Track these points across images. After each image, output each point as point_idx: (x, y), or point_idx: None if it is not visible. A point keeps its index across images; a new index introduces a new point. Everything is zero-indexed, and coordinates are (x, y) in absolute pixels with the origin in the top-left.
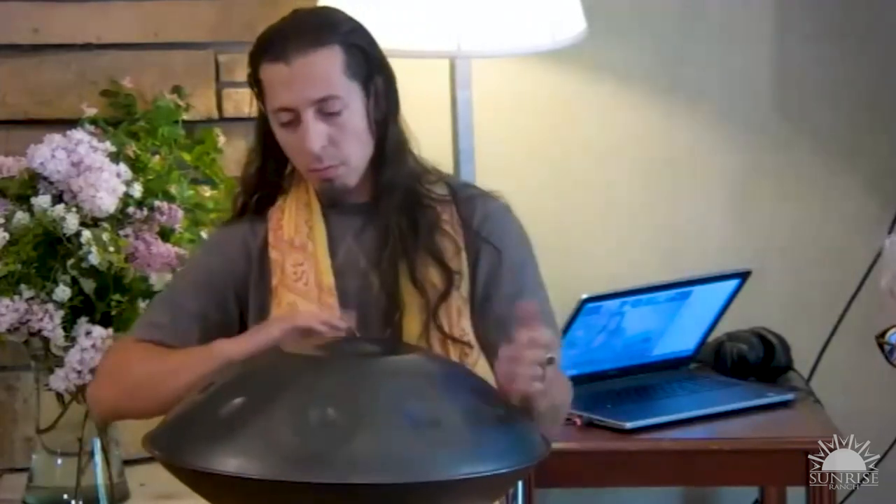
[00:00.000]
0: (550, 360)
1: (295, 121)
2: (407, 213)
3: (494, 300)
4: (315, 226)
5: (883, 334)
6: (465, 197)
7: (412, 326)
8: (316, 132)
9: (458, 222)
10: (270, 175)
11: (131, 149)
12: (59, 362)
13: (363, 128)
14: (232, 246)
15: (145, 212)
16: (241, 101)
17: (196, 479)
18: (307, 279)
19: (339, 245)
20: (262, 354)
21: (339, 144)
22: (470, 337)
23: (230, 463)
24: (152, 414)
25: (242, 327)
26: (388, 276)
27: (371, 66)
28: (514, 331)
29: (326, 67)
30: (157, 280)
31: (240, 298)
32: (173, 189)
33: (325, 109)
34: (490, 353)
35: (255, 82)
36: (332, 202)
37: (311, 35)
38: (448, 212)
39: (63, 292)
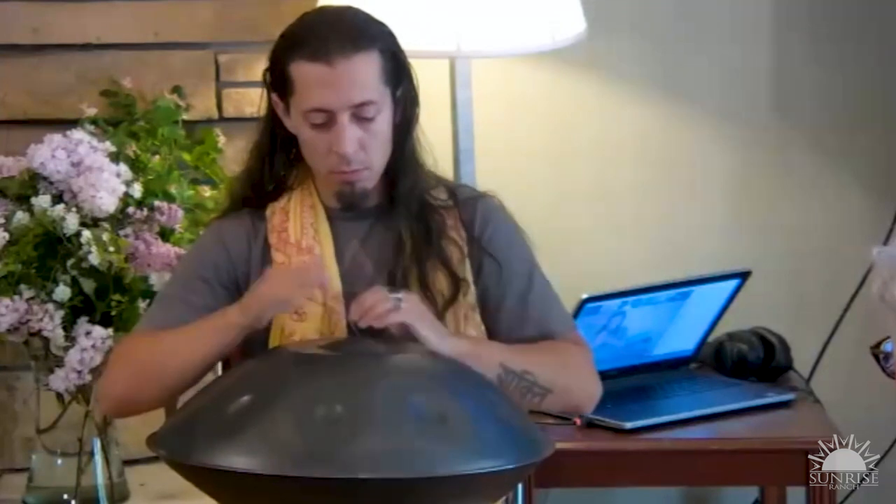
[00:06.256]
0: (399, 300)
1: (328, 122)
2: (419, 220)
3: (503, 310)
4: (321, 229)
5: (878, 345)
6: (463, 200)
7: None
8: (351, 136)
9: (460, 227)
10: (277, 170)
11: (131, 149)
12: (59, 362)
13: (389, 134)
14: (235, 241)
15: (145, 212)
16: (241, 101)
17: (202, 476)
18: None
19: (345, 250)
20: (266, 354)
21: (368, 149)
22: None
23: (236, 460)
24: (160, 401)
25: None
26: (400, 281)
27: (400, 73)
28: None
29: (368, 72)
30: (157, 280)
31: (242, 294)
32: (173, 189)
33: (361, 114)
34: None
35: (279, 79)
36: (349, 206)
37: (354, 37)
38: (452, 217)
39: (63, 292)
